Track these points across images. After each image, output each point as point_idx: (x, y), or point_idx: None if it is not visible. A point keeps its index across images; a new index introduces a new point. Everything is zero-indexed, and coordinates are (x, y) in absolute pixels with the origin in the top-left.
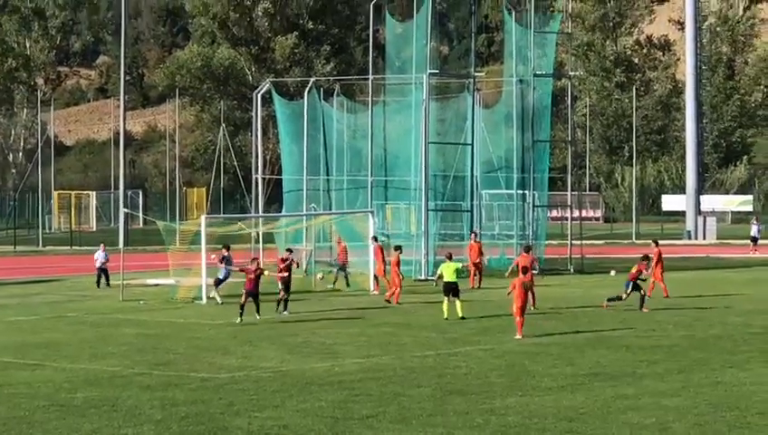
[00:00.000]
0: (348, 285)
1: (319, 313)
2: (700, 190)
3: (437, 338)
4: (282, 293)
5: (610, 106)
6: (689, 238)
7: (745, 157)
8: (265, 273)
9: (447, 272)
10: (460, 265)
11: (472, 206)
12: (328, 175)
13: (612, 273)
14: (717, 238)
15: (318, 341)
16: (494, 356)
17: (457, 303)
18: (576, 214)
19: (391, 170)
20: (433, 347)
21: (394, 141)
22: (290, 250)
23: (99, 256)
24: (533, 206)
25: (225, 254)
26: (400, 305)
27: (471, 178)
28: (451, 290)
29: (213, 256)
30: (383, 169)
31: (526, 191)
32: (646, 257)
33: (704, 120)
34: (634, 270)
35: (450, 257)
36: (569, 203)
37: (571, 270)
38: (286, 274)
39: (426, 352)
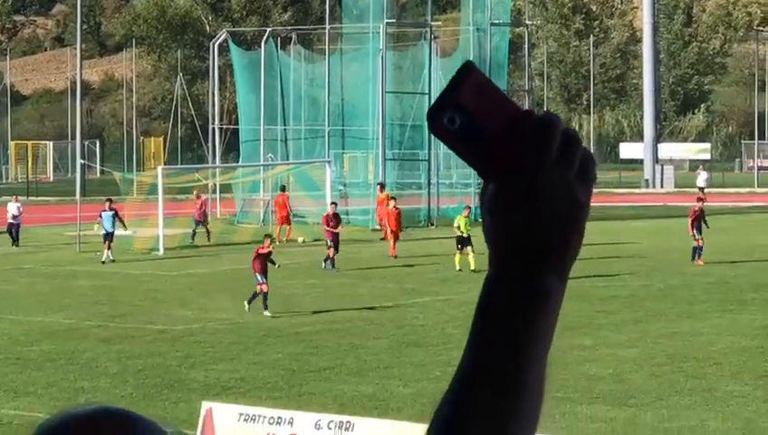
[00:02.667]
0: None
1: (277, 263)
2: (658, 138)
3: (395, 289)
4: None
5: (568, 54)
6: (647, 187)
7: (703, 105)
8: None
9: (462, 224)
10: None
11: (429, 155)
12: (285, 125)
13: None
14: (675, 187)
15: (276, 292)
16: (452, 307)
17: (471, 255)
18: None
19: (349, 120)
20: (390, 298)
21: (351, 90)
22: (335, 204)
23: (11, 208)
24: None
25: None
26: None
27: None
28: (464, 242)
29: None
30: (340, 119)
31: None
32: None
33: (661, 68)
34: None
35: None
36: None
37: None
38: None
39: (383, 303)
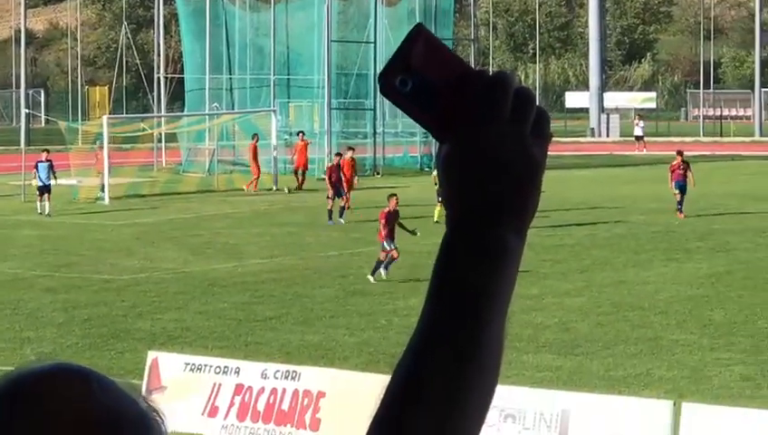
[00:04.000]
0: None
1: (222, 212)
2: (603, 87)
3: (341, 238)
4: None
5: (514, 2)
6: (592, 136)
7: (649, 54)
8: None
9: None
10: None
11: (375, 104)
12: (230, 74)
13: None
14: (620, 135)
15: (221, 241)
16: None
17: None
18: None
19: (294, 69)
20: (336, 247)
21: (297, 39)
22: (339, 154)
23: None
24: None
25: None
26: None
27: (374, 76)
28: None
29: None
30: (286, 68)
31: None
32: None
33: (607, 17)
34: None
35: None
36: None
37: None
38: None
39: (329, 252)
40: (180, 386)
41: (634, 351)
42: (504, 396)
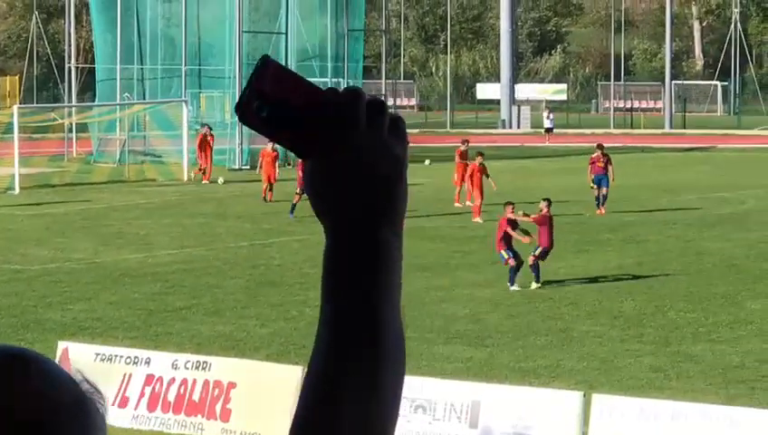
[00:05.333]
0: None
1: (133, 203)
2: (515, 79)
3: (252, 229)
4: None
5: None
6: (504, 127)
7: (560, 46)
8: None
9: None
10: None
11: None
12: (142, 64)
13: (427, 162)
14: (532, 127)
15: (132, 232)
16: (308, 247)
17: None
18: (390, 102)
19: (205, 59)
20: (247, 238)
21: (208, 30)
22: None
23: None
24: None
25: None
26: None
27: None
28: None
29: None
30: (197, 58)
31: (340, 80)
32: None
33: (519, 9)
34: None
35: None
36: (383, 92)
37: None
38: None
39: (240, 242)
40: (90, 377)
41: (544, 342)
42: (415, 387)
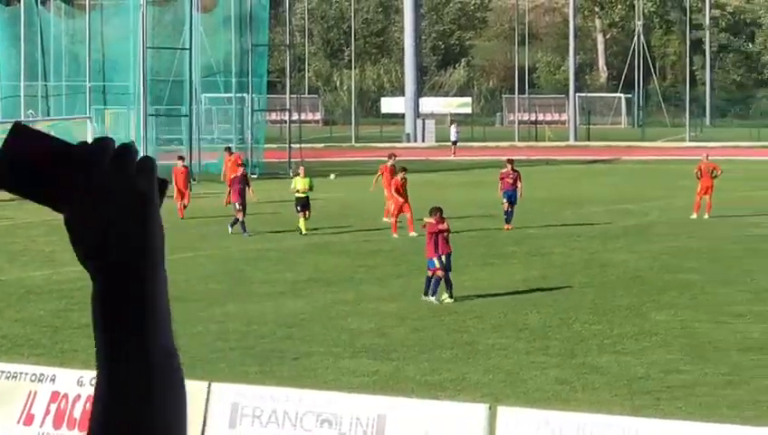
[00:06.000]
0: None
1: (38, 220)
2: (419, 93)
3: None
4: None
5: (330, 9)
6: (408, 141)
7: (464, 59)
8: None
9: (302, 186)
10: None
11: (191, 110)
12: (46, 81)
13: (332, 176)
14: (436, 141)
15: (37, 248)
16: (214, 263)
17: (303, 219)
18: (295, 117)
19: (110, 75)
20: None
21: (112, 46)
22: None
23: None
24: (252, 110)
25: None
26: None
27: (190, 83)
28: (305, 204)
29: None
30: (101, 75)
31: (245, 95)
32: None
33: (423, 23)
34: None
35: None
36: (287, 106)
37: (291, 173)
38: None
39: None
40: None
41: (450, 355)
42: (321, 401)
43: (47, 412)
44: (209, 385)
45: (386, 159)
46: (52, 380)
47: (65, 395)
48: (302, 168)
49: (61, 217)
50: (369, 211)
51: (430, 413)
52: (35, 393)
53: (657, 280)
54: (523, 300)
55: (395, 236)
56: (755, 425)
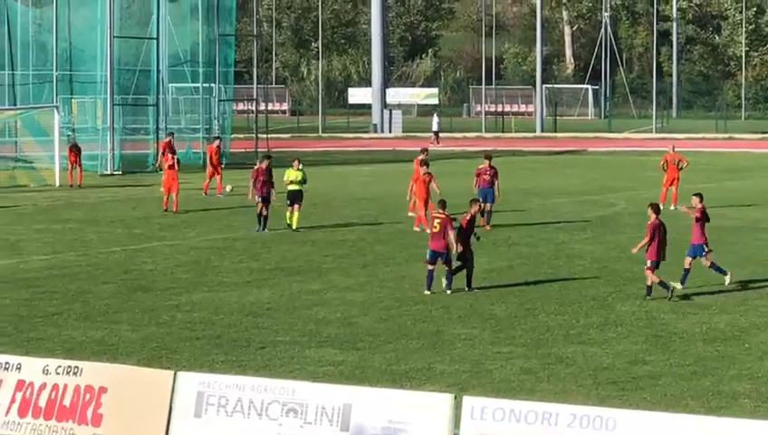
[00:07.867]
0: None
1: (4, 208)
2: (386, 83)
3: (123, 234)
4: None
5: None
6: (375, 131)
7: (431, 50)
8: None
9: (293, 177)
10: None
11: (158, 100)
12: (12, 70)
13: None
14: (403, 131)
15: (3, 237)
16: (180, 252)
17: (296, 212)
18: (262, 107)
19: (77, 64)
20: (119, 243)
21: (79, 35)
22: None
23: None
24: (219, 99)
25: None
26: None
27: (157, 73)
28: (295, 197)
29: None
30: (69, 64)
31: (212, 85)
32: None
33: (390, 14)
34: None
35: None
36: (255, 96)
37: (256, 163)
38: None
39: (112, 248)
40: None
41: (416, 345)
42: (287, 390)
43: (13, 401)
44: (175, 374)
45: (417, 152)
46: (18, 368)
47: (30, 384)
48: (297, 160)
49: (27, 205)
50: (336, 200)
51: (395, 402)
52: (1, 382)
53: (624, 271)
54: (490, 290)
55: (416, 229)
56: (720, 415)
